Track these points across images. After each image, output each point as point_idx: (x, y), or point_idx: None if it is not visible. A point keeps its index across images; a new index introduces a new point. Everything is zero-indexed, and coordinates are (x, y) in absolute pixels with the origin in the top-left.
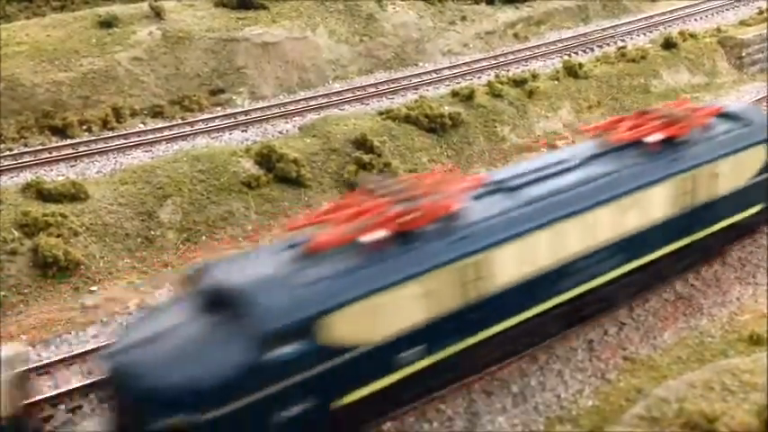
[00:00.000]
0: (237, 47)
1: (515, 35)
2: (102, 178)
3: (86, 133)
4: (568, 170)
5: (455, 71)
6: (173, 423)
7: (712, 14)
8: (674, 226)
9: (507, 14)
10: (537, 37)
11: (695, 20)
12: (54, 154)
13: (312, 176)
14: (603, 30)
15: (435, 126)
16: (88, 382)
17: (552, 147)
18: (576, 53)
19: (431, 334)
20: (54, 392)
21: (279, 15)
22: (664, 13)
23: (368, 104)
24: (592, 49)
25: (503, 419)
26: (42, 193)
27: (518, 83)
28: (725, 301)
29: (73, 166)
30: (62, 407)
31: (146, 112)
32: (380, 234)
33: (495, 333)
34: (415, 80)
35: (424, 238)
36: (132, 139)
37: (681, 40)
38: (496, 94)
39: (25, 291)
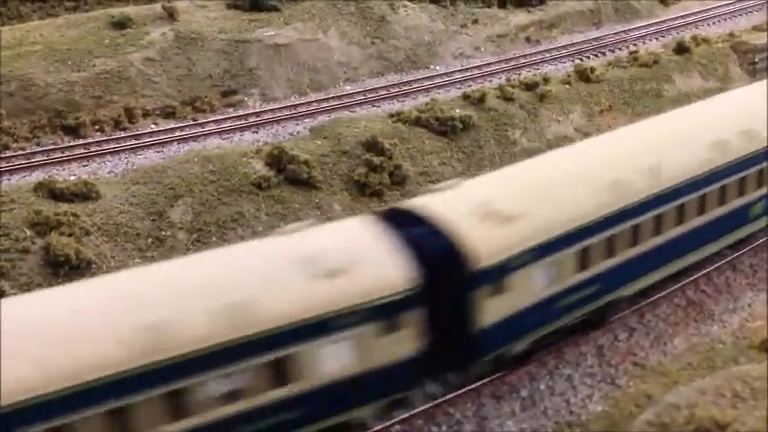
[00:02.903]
0: (249, 48)
1: (527, 39)
2: (113, 178)
3: (99, 133)
4: None
5: (466, 74)
6: None
7: (725, 19)
8: None
9: (519, 18)
10: (549, 40)
11: (708, 25)
12: (66, 153)
13: (323, 178)
14: (616, 34)
15: (446, 129)
16: None
17: None
18: (588, 57)
19: None
20: None
21: (291, 17)
22: (676, 18)
23: (379, 107)
24: (604, 54)
25: (511, 423)
26: (54, 193)
27: (529, 86)
28: (736, 308)
29: (85, 165)
30: None
31: (158, 112)
32: None
33: None
34: (427, 83)
35: None
36: (144, 140)
37: (693, 45)
38: (508, 98)
39: (36, 289)
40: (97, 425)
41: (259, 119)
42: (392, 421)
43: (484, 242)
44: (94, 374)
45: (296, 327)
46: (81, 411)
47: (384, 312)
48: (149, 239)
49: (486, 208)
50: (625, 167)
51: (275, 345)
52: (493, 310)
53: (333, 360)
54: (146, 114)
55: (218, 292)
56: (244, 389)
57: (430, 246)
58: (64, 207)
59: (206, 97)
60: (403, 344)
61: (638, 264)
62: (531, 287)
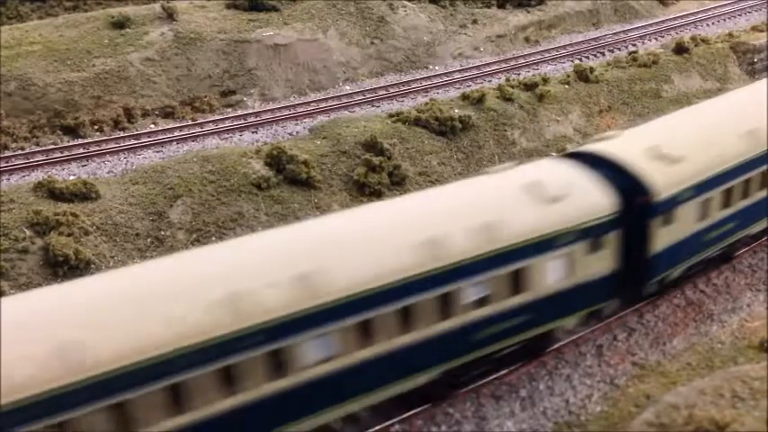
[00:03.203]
0: (249, 48)
1: (526, 39)
2: (112, 178)
3: (98, 133)
4: None
5: (466, 74)
6: None
7: (724, 20)
8: None
9: (519, 18)
10: (548, 41)
11: (707, 25)
12: (65, 153)
13: (322, 178)
14: (615, 34)
15: (445, 129)
16: None
17: None
18: (588, 57)
19: None
20: None
21: (290, 17)
22: (675, 18)
23: (378, 107)
24: (603, 54)
25: (511, 424)
26: (54, 193)
27: (529, 87)
28: (735, 308)
29: (84, 165)
30: None
31: (157, 112)
32: None
33: None
34: (426, 83)
35: None
36: (143, 140)
37: (692, 45)
38: (507, 98)
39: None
40: (393, 319)
41: (258, 119)
42: (391, 421)
43: (658, 179)
44: (391, 278)
45: (530, 243)
46: (384, 308)
47: (592, 234)
48: (148, 239)
49: (656, 151)
50: (757, 120)
51: (514, 259)
52: (663, 237)
53: (553, 273)
54: (145, 114)
55: (473, 214)
56: (488, 295)
57: (618, 180)
58: (63, 207)
59: (205, 97)
60: (603, 262)
61: (764, 205)
62: (688, 220)
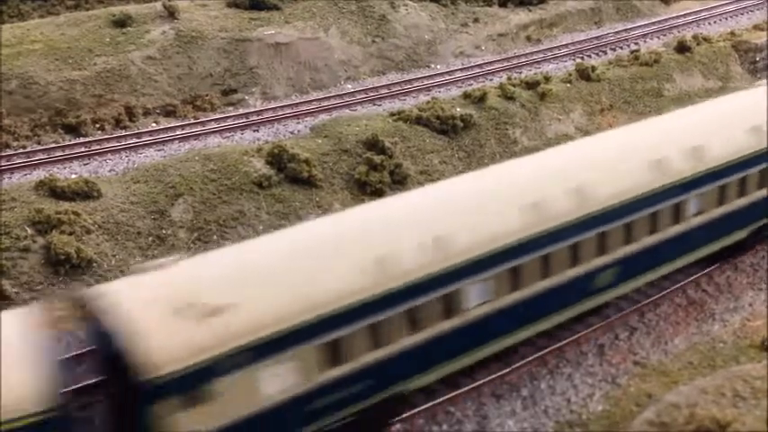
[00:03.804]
0: (250, 47)
1: (528, 37)
2: (114, 177)
3: (99, 132)
4: None
5: (467, 73)
6: None
7: (726, 18)
8: None
9: (520, 16)
10: (549, 39)
11: (709, 24)
12: (67, 152)
13: (323, 177)
14: (617, 33)
15: (447, 128)
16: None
17: None
18: (589, 56)
19: None
20: None
21: (291, 16)
22: (677, 17)
23: (379, 105)
24: (605, 52)
25: (512, 423)
26: (55, 191)
27: (530, 85)
28: (737, 307)
29: (86, 164)
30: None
31: (158, 111)
32: None
33: None
34: (427, 81)
35: None
36: (145, 138)
37: (694, 44)
38: (508, 97)
39: (37, 288)
40: (737, 185)
41: (260, 117)
42: (392, 420)
43: None
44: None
45: None
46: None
47: None
48: (150, 238)
49: None
50: None
51: None
52: None
53: None
54: (146, 113)
55: (746, 119)
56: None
57: None
58: (65, 205)
59: (207, 96)
60: None
61: None
62: None
